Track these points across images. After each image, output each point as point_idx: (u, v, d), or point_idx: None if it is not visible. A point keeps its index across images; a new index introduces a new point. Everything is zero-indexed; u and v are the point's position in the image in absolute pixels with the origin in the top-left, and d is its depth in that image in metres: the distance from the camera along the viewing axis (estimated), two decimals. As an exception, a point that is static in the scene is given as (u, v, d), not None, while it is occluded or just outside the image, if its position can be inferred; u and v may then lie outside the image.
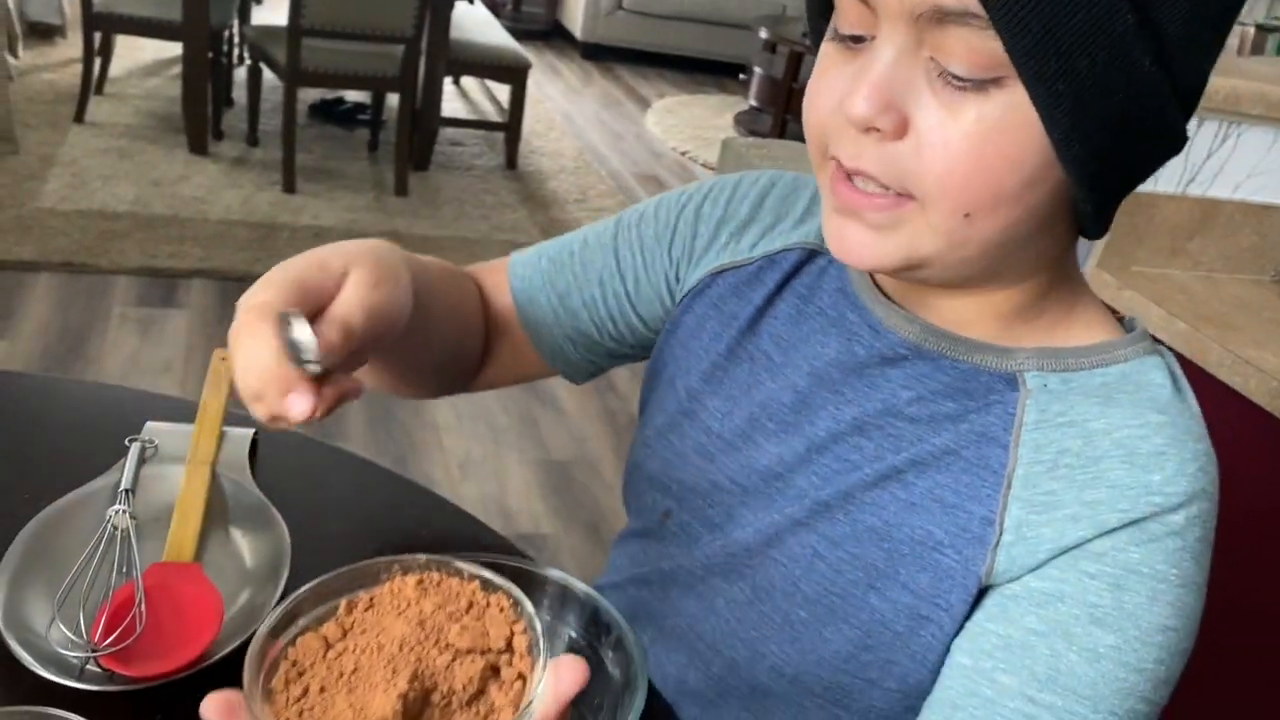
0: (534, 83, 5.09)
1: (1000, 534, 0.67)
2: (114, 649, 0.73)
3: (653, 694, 0.86)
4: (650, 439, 0.86)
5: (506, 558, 0.78)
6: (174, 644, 0.76)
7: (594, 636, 0.75)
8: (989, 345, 0.71)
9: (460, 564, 0.57)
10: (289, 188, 3.82)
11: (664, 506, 0.85)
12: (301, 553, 0.86)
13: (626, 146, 5.36)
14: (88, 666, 0.73)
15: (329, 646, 0.53)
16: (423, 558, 0.58)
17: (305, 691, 0.51)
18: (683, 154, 5.31)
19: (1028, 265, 0.68)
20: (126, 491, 0.86)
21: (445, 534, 0.95)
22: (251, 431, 0.98)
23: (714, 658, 0.80)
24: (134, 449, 0.91)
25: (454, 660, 0.52)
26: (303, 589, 0.57)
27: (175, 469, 0.91)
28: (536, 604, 0.78)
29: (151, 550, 0.84)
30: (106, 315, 2.98)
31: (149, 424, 0.96)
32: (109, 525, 0.83)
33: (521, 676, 0.52)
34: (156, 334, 2.93)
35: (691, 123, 5.82)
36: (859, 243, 0.65)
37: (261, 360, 0.59)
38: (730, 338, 0.82)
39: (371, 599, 0.56)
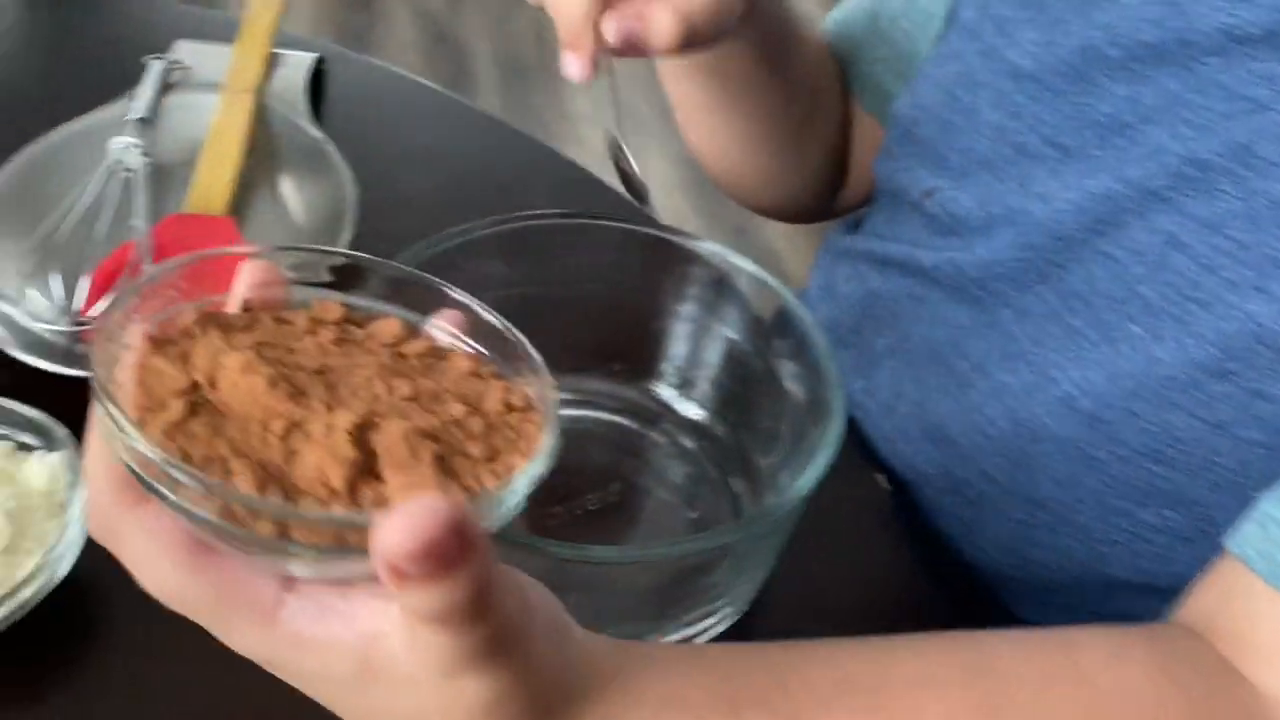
0: None
1: None
2: (103, 323, 0.53)
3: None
4: (922, 96, 0.60)
5: (646, 223, 0.54)
6: (193, 321, 0.56)
7: (762, 341, 0.52)
8: None
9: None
10: None
11: (927, 184, 0.59)
12: (372, 211, 0.64)
13: None
14: (75, 347, 0.54)
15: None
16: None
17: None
18: None
19: None
20: (140, 121, 0.64)
21: (562, 197, 0.71)
22: (313, 56, 0.75)
23: (979, 381, 0.55)
24: (154, 69, 0.69)
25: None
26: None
27: (209, 98, 0.68)
28: (683, 293, 0.55)
29: (173, 200, 0.63)
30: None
31: (179, 42, 0.73)
32: (112, 163, 0.62)
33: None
34: None
35: None
36: None
37: None
38: None
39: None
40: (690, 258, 0.53)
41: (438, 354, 0.36)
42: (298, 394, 0.30)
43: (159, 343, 0.32)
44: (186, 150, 0.66)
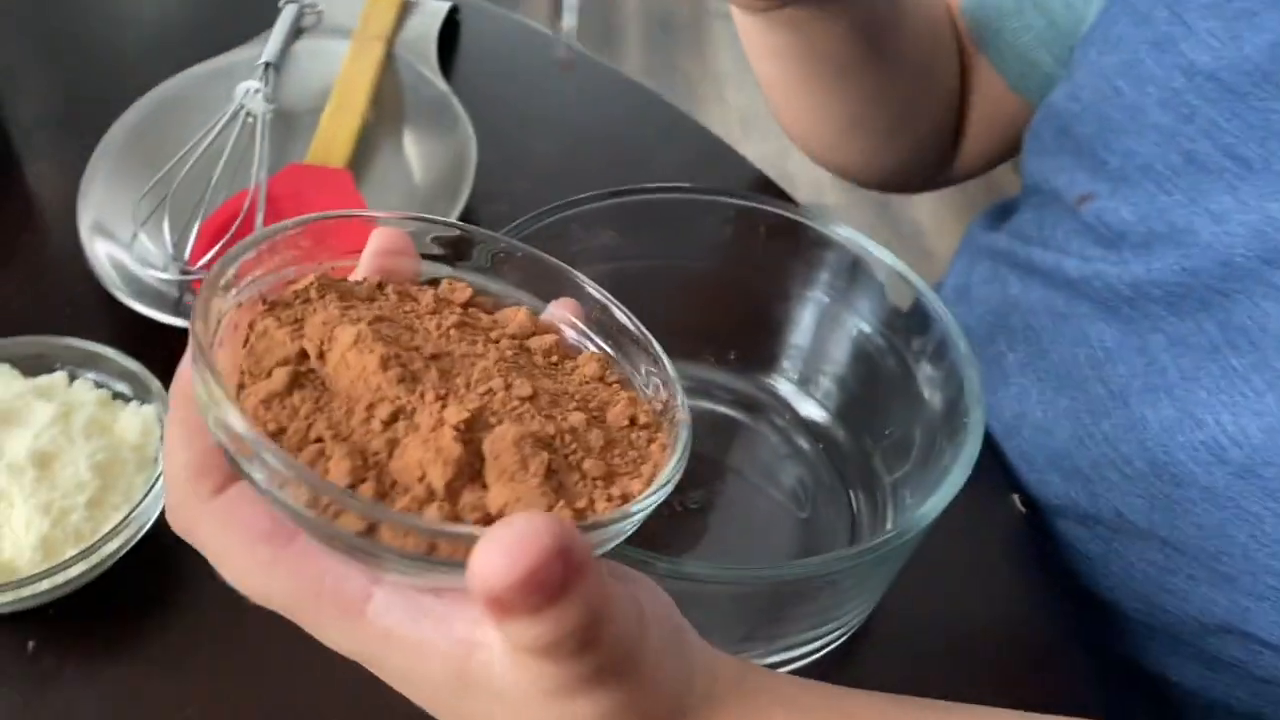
0: None
1: None
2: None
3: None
4: (1081, 86, 0.53)
5: (773, 202, 0.50)
6: (302, 275, 0.54)
7: (901, 338, 0.47)
8: None
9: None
10: None
11: (1083, 188, 0.52)
12: (491, 170, 0.61)
13: None
14: (183, 297, 0.53)
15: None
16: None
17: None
18: None
19: None
20: (268, 66, 0.63)
21: (693, 165, 0.67)
22: (447, 5, 0.72)
23: (1115, 411, 0.50)
24: (287, 12, 0.67)
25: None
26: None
27: (340, 45, 0.67)
28: (811, 279, 0.51)
29: (298, 148, 0.62)
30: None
31: (316, -14, 0.72)
32: (236, 108, 0.60)
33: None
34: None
35: None
36: None
37: None
38: None
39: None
40: (821, 241, 0.48)
41: (565, 352, 0.33)
42: (410, 379, 0.27)
43: (273, 305, 0.29)
44: (314, 97, 0.64)
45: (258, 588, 0.28)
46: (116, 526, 0.41)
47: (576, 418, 0.29)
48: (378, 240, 0.32)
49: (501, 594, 0.23)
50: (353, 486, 0.25)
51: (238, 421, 0.25)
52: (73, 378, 0.46)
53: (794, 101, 0.61)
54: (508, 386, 0.29)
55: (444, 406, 0.27)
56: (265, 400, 0.26)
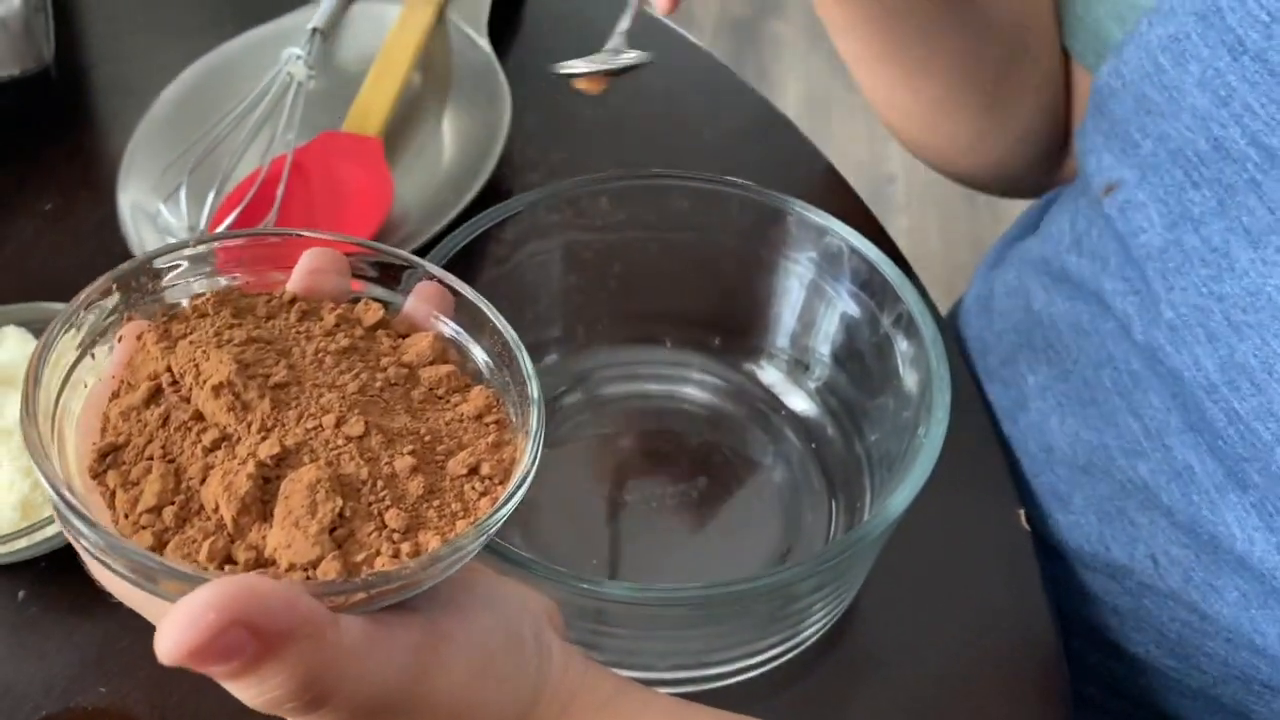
0: None
1: None
2: (224, 243, 0.53)
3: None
4: (1127, 61, 0.47)
5: (762, 196, 0.47)
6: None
7: (877, 315, 0.44)
8: None
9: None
10: None
11: (1112, 174, 0.47)
12: (530, 140, 0.60)
13: None
14: (206, 262, 0.55)
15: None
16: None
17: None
18: None
19: None
20: (315, 31, 0.64)
21: (742, 137, 0.64)
22: (507, -32, 0.71)
23: (1152, 452, 0.45)
24: (343, -24, 0.68)
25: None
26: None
27: (396, 9, 0.67)
28: (795, 271, 0.47)
29: (345, 116, 0.62)
30: None
31: (379, -52, 0.72)
32: (280, 73, 0.61)
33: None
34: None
35: None
36: None
37: None
38: None
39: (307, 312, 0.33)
40: (814, 231, 0.46)
41: (457, 384, 0.32)
42: (240, 407, 0.29)
43: (172, 318, 0.31)
44: (366, 62, 0.64)
45: (113, 581, 0.29)
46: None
47: (403, 463, 0.29)
48: (309, 259, 0.32)
49: (180, 664, 0.23)
50: (158, 509, 0.27)
51: (41, 464, 0.26)
52: (80, 344, 0.49)
53: (880, 75, 0.56)
54: (339, 423, 0.29)
55: (264, 439, 0.28)
56: (124, 412, 0.29)
